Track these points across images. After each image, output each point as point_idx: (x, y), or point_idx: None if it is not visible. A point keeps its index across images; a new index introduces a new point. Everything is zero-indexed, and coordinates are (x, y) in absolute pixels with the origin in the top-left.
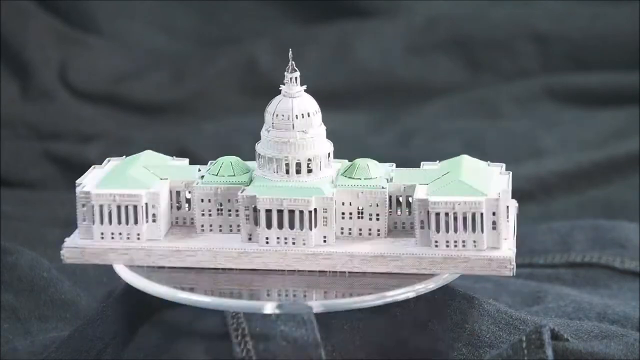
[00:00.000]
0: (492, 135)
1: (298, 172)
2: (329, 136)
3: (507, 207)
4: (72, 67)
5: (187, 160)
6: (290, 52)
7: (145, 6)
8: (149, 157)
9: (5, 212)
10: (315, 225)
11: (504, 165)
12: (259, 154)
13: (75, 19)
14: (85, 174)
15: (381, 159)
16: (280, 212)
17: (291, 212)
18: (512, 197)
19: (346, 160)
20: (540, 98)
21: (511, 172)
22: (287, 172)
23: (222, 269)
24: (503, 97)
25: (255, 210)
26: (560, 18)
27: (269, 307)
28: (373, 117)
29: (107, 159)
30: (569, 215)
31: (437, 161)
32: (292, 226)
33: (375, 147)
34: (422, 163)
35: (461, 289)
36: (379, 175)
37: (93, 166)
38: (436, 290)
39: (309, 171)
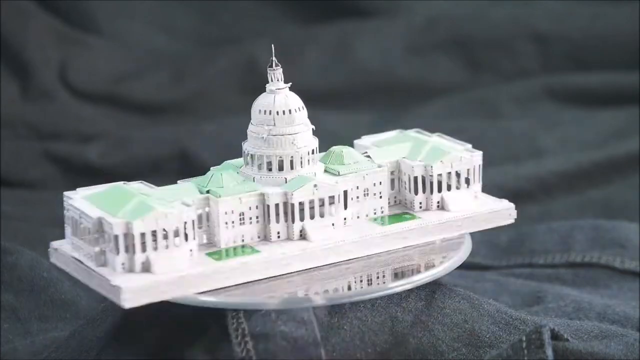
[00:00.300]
0: (492, 135)
1: (280, 169)
2: (330, 136)
3: None
4: (72, 67)
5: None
6: (273, 47)
7: (145, 6)
8: (127, 188)
9: (5, 212)
10: (346, 207)
11: (416, 128)
12: (246, 152)
13: (75, 19)
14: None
15: None
16: (311, 202)
17: (321, 200)
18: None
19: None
20: (540, 98)
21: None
22: (270, 169)
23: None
24: (503, 97)
25: (287, 206)
26: (560, 18)
27: (271, 304)
28: (373, 117)
29: (74, 191)
30: (569, 215)
31: (363, 136)
32: (322, 214)
33: None
34: (354, 142)
35: (461, 289)
36: (362, 158)
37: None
38: (436, 290)
39: (291, 168)
